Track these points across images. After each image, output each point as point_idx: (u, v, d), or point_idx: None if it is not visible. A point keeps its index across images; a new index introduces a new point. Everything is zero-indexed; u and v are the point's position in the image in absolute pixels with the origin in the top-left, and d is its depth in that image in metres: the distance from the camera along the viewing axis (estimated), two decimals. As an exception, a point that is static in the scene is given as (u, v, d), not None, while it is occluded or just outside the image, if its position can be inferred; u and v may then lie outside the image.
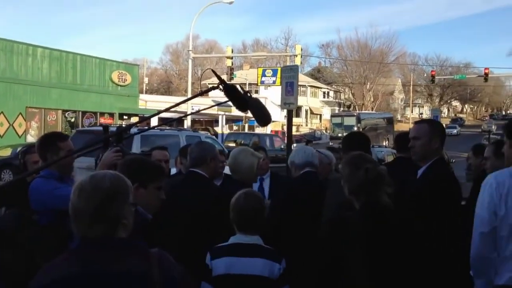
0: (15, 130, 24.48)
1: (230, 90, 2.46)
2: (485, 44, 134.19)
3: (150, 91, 63.39)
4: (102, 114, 28.93)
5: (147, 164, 2.55)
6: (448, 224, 2.79)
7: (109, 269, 1.65)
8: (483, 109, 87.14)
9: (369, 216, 2.38)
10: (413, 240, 2.50)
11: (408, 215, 2.67)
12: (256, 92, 57.22)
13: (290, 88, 7.92)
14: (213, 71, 2.59)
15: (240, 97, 2.50)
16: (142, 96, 37.64)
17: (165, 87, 72.17)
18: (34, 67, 25.65)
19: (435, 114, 27.51)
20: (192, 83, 35.03)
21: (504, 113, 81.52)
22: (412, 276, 2.40)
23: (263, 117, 2.68)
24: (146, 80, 61.00)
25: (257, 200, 2.74)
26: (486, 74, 31.68)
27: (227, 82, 2.45)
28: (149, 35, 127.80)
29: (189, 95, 31.73)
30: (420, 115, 76.38)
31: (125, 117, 30.08)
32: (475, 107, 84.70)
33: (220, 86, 2.47)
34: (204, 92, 2.65)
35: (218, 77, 2.47)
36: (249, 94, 3.06)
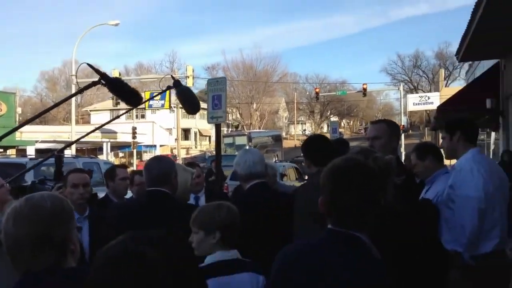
0: None
1: (113, 83, 2.12)
2: (359, 63, 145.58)
3: (24, 121, 58.56)
4: (-26, 147, 26.01)
5: None
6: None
7: None
8: (358, 123, 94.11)
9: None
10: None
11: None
12: (143, 116, 55.80)
13: (217, 101, 7.58)
14: (88, 64, 2.24)
15: (128, 90, 2.16)
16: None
17: (40, 117, 67.18)
18: None
19: (334, 126, 29.02)
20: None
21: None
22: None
23: (193, 106, 2.66)
24: (19, 110, 56.40)
25: (237, 213, 2.50)
26: (365, 89, 34.35)
27: (109, 76, 2.12)
28: (20, 63, 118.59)
29: (73, 123, 29.81)
30: (303, 131, 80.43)
31: (0, 150, 27.31)
32: (351, 122, 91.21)
33: (102, 81, 2.08)
34: (82, 90, 2.15)
35: (97, 71, 2.11)
36: (178, 82, 2.90)
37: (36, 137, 32.29)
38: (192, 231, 2.41)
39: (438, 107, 11.53)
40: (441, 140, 3.45)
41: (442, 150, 3.41)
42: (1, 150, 27.37)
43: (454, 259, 2.99)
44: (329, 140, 3.52)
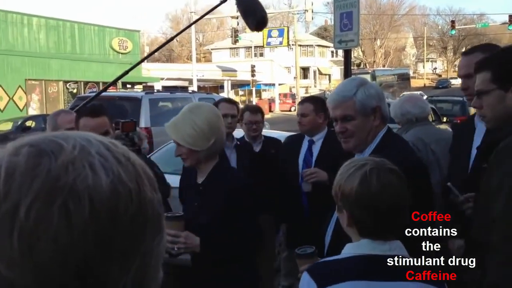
0: (16, 104, 23.59)
1: None
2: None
3: (152, 60, 61.99)
4: (104, 83, 27.87)
5: None
6: None
7: None
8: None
9: None
10: None
11: None
12: (261, 55, 55.60)
13: (347, 20, 5.85)
14: None
15: None
16: (144, 65, 36.57)
17: (166, 55, 70.59)
18: (30, 37, 24.57)
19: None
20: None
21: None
22: None
23: (255, 15, 1.99)
24: (147, 49, 59.64)
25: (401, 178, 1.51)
26: (511, 21, 29.98)
27: None
28: (146, 4, 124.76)
29: (193, 61, 30.43)
30: (434, 70, 74.77)
31: (128, 86, 28.87)
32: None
33: None
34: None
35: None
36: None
37: (162, 75, 33.91)
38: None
39: None
40: None
41: None
42: (129, 86, 28.95)
43: None
44: None
